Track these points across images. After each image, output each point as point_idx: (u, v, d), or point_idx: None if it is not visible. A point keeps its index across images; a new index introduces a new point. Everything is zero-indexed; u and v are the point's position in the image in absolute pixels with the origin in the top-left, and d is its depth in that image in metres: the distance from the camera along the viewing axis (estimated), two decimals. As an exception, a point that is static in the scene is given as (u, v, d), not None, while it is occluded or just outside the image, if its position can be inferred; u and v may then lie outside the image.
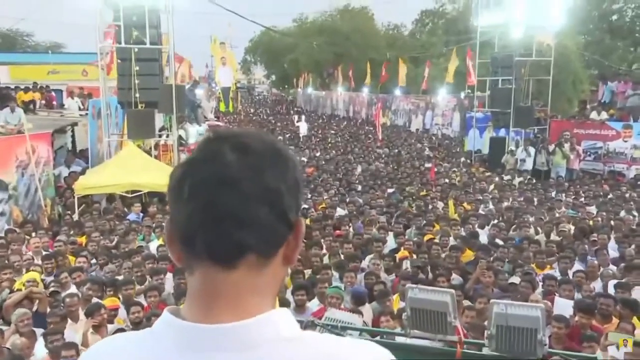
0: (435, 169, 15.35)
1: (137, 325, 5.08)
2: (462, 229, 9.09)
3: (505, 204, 11.29)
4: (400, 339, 3.82)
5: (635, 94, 17.20)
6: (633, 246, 7.94)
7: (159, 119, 15.93)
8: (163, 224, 8.94)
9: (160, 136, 14.08)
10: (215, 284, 0.78)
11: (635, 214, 10.50)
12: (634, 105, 16.92)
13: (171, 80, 13.22)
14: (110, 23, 12.46)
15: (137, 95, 11.62)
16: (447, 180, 14.22)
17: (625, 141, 15.72)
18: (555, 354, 2.89)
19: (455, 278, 6.93)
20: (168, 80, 13.66)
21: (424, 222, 9.44)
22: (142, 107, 11.92)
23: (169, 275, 6.55)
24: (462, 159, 18.57)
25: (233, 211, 0.75)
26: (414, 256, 7.66)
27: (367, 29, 41.86)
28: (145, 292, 5.96)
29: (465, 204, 11.13)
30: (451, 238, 8.47)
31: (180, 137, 15.32)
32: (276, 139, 0.87)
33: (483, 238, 8.74)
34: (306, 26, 46.14)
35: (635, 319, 5.33)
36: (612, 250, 7.93)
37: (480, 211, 10.59)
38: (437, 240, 8.28)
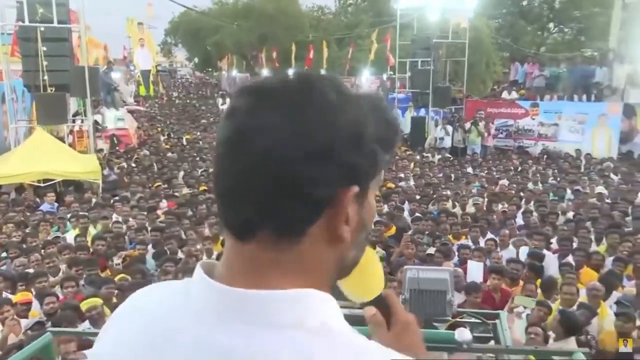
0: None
1: (51, 316, 4.85)
2: (385, 205, 9.40)
3: (425, 180, 11.80)
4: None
5: (541, 75, 18.40)
6: (536, 215, 8.66)
7: (73, 104, 15.06)
8: (80, 213, 8.53)
9: (74, 121, 13.32)
10: (233, 253, 0.71)
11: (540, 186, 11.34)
12: (540, 85, 18.14)
13: (83, 62, 12.48)
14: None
15: (46, 78, 10.89)
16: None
17: (533, 119, 16.84)
18: (462, 312, 3.11)
19: (379, 251, 7.21)
20: (80, 62, 12.90)
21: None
22: (52, 90, 11.21)
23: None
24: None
25: (230, 183, 0.67)
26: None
27: (291, 10, 41.54)
28: (62, 284, 5.69)
29: (387, 182, 11.49)
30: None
31: (96, 122, 14.60)
32: (328, 88, 0.66)
33: (404, 213, 9.12)
34: (228, 7, 45.00)
35: (538, 282, 5.84)
36: (518, 219, 8.57)
37: (402, 186, 11.03)
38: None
